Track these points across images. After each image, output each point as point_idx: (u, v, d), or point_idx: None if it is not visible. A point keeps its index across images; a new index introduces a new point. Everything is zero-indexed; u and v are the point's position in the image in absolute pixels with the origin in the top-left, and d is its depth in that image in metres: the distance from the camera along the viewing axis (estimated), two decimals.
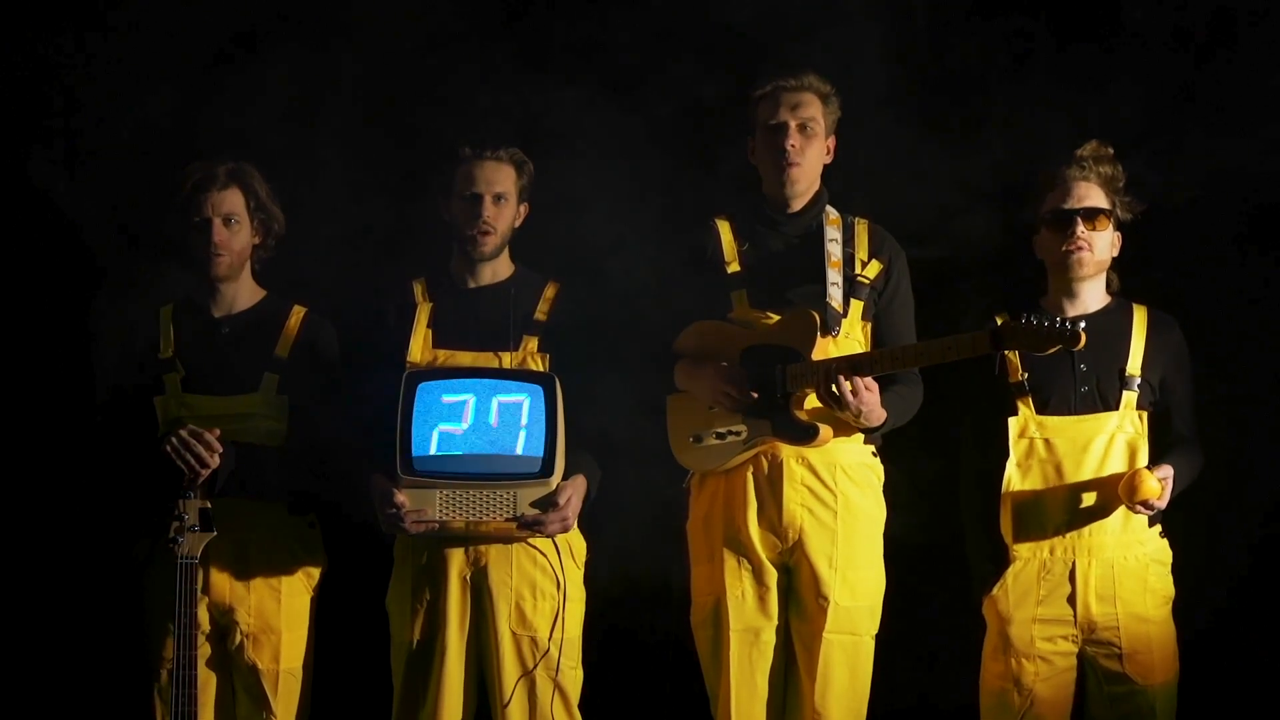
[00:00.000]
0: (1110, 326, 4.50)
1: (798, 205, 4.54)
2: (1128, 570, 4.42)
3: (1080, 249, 4.46)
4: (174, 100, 5.05)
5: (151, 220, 4.71)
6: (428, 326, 4.54)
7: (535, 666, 4.42)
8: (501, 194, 4.54)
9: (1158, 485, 4.33)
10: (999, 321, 4.33)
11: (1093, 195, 4.48)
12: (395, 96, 5.18)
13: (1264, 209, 4.99)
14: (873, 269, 4.51)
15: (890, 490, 4.54)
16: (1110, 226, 4.50)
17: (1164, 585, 4.48)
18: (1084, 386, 4.46)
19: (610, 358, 4.53)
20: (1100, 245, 4.48)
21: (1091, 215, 4.46)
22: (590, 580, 4.55)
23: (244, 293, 4.60)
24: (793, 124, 4.47)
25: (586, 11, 5.14)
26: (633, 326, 4.58)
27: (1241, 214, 4.99)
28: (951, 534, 4.65)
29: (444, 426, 4.39)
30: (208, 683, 4.44)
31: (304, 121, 5.12)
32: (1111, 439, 4.43)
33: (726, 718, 4.40)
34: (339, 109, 5.15)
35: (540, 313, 4.56)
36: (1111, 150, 4.52)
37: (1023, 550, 4.43)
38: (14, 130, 5.06)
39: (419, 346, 4.52)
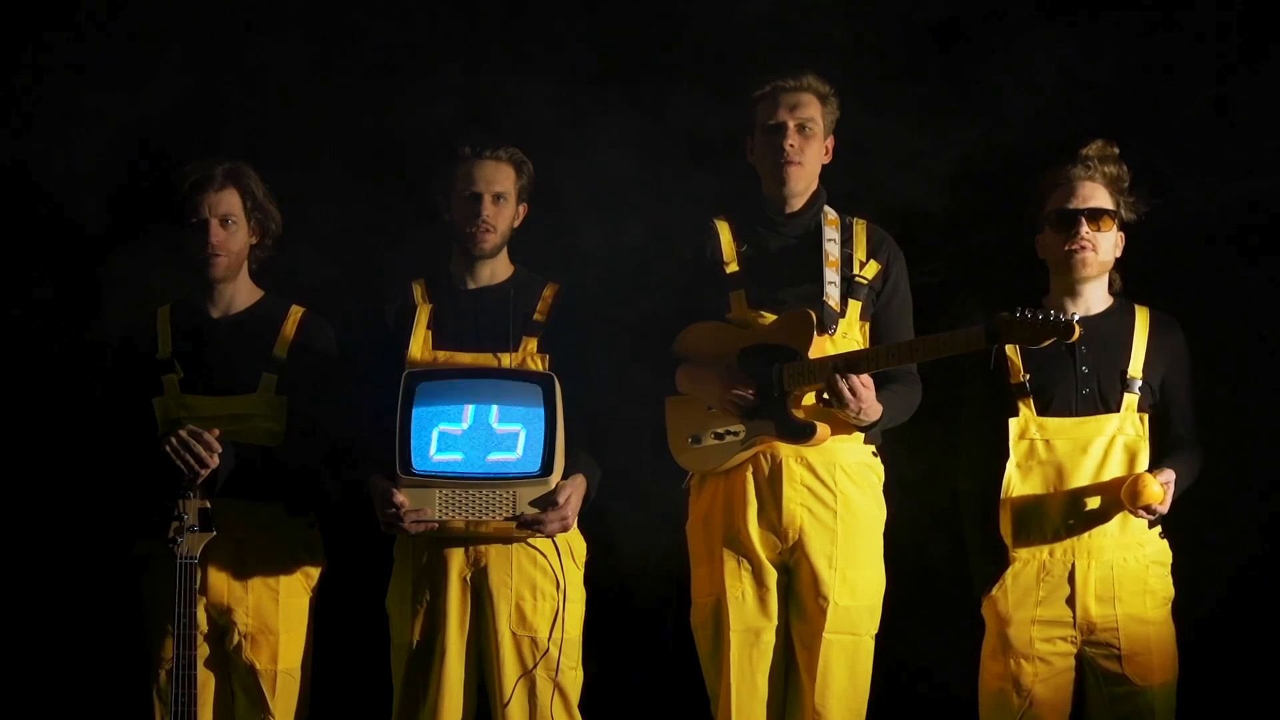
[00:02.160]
0: (1112, 328, 4.49)
1: (796, 205, 4.54)
2: (1128, 572, 4.42)
3: (1084, 249, 4.44)
4: (172, 98, 5.06)
5: (150, 220, 4.71)
6: (427, 328, 4.54)
7: (535, 667, 4.42)
8: (501, 194, 4.55)
9: (1160, 490, 4.32)
10: (993, 317, 4.30)
11: (1098, 195, 4.47)
12: (395, 95, 5.18)
13: (1267, 210, 4.99)
14: (871, 269, 4.51)
15: (890, 490, 4.54)
16: (1114, 227, 4.48)
17: (1163, 586, 4.47)
18: (1085, 388, 4.45)
19: (609, 358, 4.54)
20: (1104, 246, 4.47)
21: (1096, 216, 4.45)
22: (590, 580, 4.55)
23: (242, 293, 4.59)
24: (791, 124, 4.48)
25: (587, 10, 5.14)
26: (632, 327, 4.59)
27: (1244, 214, 4.99)
28: (951, 534, 4.65)
29: (444, 426, 4.39)
30: (206, 683, 4.44)
31: (303, 121, 5.13)
32: (1112, 441, 4.42)
33: (727, 718, 4.40)
34: (339, 108, 5.16)
35: (539, 313, 4.56)
36: (1117, 150, 4.51)
37: (1022, 552, 4.43)
38: (10, 127, 5.07)
39: (419, 347, 4.52)
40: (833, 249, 4.49)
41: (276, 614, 4.46)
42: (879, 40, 5.01)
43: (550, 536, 4.42)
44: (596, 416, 4.52)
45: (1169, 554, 4.49)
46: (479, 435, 4.39)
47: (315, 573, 4.55)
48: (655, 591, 4.91)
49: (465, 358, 4.52)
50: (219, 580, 4.44)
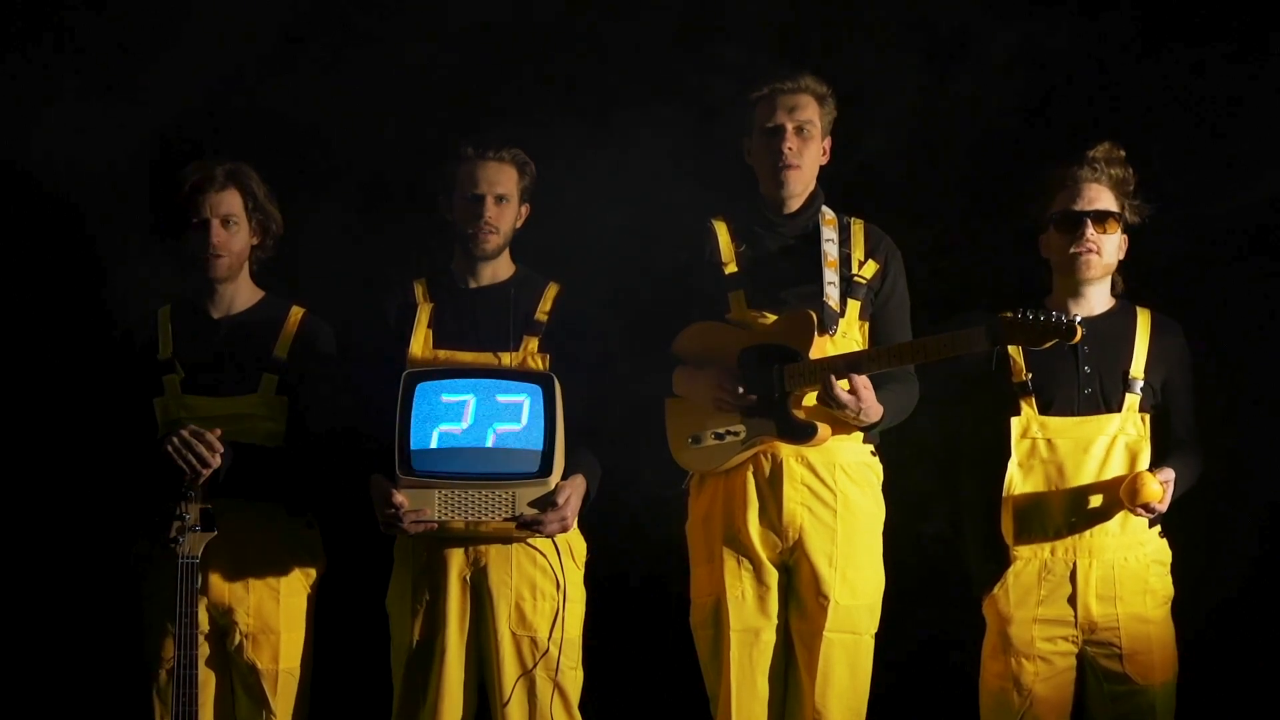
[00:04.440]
0: (1114, 329, 4.49)
1: (794, 206, 4.54)
2: (1128, 571, 4.42)
3: (1089, 251, 4.44)
4: (174, 99, 5.07)
5: (150, 221, 4.72)
6: (428, 327, 4.54)
7: (535, 667, 4.42)
8: (503, 194, 4.54)
9: (1159, 488, 4.33)
10: (996, 317, 4.28)
11: (1103, 198, 4.47)
12: (396, 94, 5.19)
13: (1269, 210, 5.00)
14: (869, 269, 4.51)
15: (889, 489, 4.54)
16: (1119, 230, 4.48)
17: (1164, 585, 4.47)
18: (1087, 388, 4.45)
19: (609, 358, 4.55)
20: (1109, 248, 4.47)
21: (1102, 218, 4.45)
22: (590, 580, 4.55)
23: (242, 293, 4.60)
24: (789, 126, 4.47)
25: (588, 10, 5.15)
26: (632, 327, 4.59)
27: (1247, 216, 5.00)
28: (951, 533, 4.65)
29: (443, 426, 4.38)
30: (207, 682, 4.44)
31: (303, 120, 5.14)
32: (1113, 441, 4.42)
33: (727, 718, 4.40)
34: (339, 107, 5.16)
35: (541, 313, 4.56)
36: (1123, 152, 4.51)
37: (1023, 551, 4.43)
38: (13, 127, 5.08)
39: (420, 346, 4.52)
40: (831, 249, 4.48)
41: (277, 613, 4.47)
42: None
43: (550, 537, 4.42)
44: (596, 417, 4.51)
45: (1169, 553, 4.49)
46: (478, 435, 4.38)
47: (315, 572, 4.55)
48: (655, 591, 4.90)
49: (466, 357, 4.52)
50: (219, 580, 4.45)
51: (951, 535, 4.63)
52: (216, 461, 4.37)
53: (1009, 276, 4.80)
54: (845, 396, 4.26)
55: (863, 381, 4.28)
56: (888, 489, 4.53)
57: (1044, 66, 5.08)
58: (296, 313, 4.61)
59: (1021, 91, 5.10)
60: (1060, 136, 4.73)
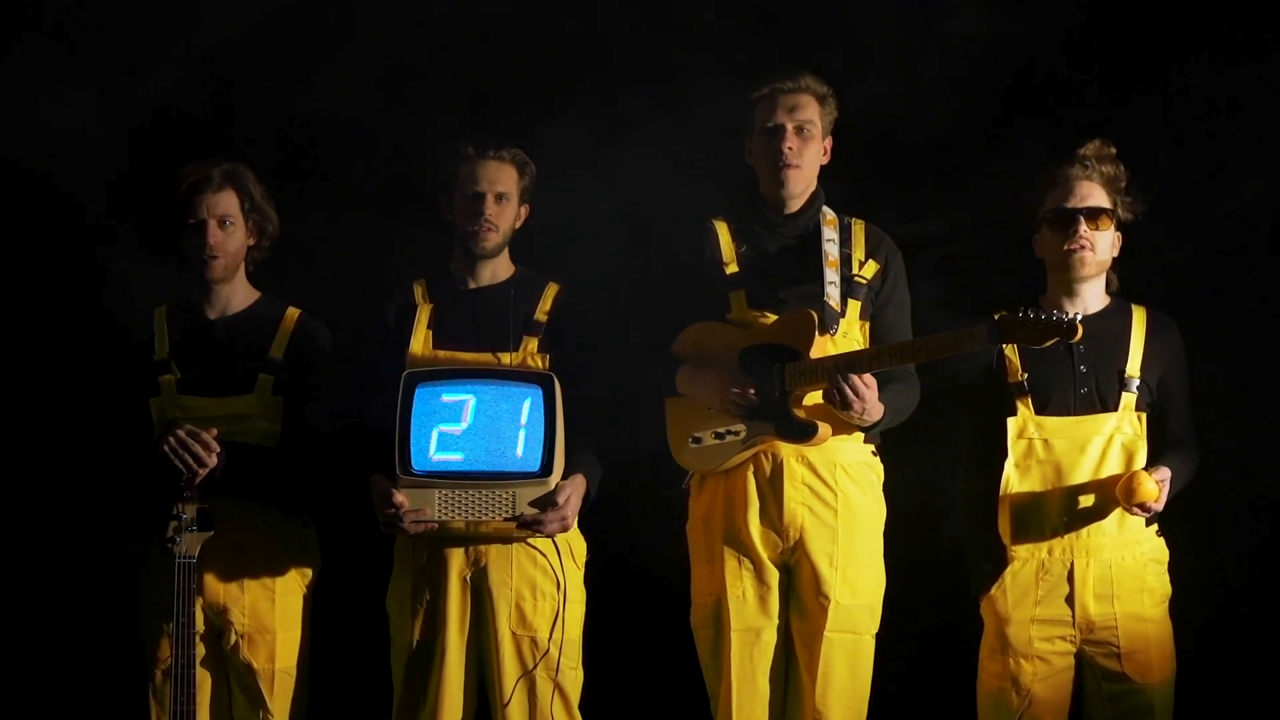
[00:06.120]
0: (1109, 327, 4.50)
1: (795, 206, 4.54)
2: (1126, 570, 4.42)
3: (1083, 248, 4.45)
4: (172, 98, 5.06)
5: (147, 221, 4.71)
6: (428, 327, 4.54)
7: (535, 667, 4.42)
8: (503, 194, 4.55)
9: (1155, 487, 4.33)
10: (996, 317, 4.29)
11: (1095, 195, 4.48)
12: (395, 95, 5.18)
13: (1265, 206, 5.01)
14: (870, 269, 4.52)
15: (890, 489, 4.54)
16: (1112, 226, 4.49)
17: (1161, 584, 4.48)
18: (1083, 387, 4.45)
19: (609, 358, 4.54)
20: (1102, 245, 4.47)
21: (1094, 215, 4.46)
22: (590, 580, 4.54)
23: (238, 294, 4.59)
24: (790, 126, 4.47)
25: (588, 9, 5.15)
26: (632, 327, 4.59)
27: (1242, 214, 5.01)
28: (949, 534, 4.65)
29: (443, 427, 4.38)
30: (203, 682, 4.44)
31: (303, 119, 5.13)
32: (1110, 440, 4.43)
33: (727, 718, 4.40)
34: (340, 107, 5.16)
35: (540, 313, 4.56)
36: (1114, 150, 4.51)
37: (1021, 551, 4.44)
38: (10, 125, 5.06)
39: (420, 346, 4.52)
40: (832, 249, 4.48)
41: (273, 613, 4.46)
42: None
43: (550, 536, 4.41)
44: (597, 416, 4.51)
45: (1166, 552, 4.50)
46: (478, 435, 4.38)
47: (311, 572, 4.55)
48: (655, 591, 4.90)
49: (466, 357, 4.51)
50: (215, 580, 4.44)
51: (952, 535, 4.62)
52: (213, 461, 4.37)
53: (1009, 277, 4.79)
54: (849, 396, 4.26)
55: (865, 380, 4.28)
56: (889, 489, 4.53)
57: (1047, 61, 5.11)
58: (293, 313, 4.60)
59: (1021, 88, 5.12)
60: (1061, 136, 4.72)
